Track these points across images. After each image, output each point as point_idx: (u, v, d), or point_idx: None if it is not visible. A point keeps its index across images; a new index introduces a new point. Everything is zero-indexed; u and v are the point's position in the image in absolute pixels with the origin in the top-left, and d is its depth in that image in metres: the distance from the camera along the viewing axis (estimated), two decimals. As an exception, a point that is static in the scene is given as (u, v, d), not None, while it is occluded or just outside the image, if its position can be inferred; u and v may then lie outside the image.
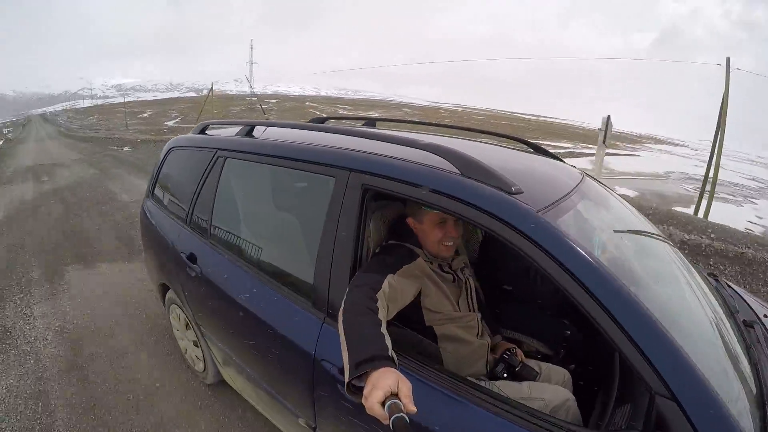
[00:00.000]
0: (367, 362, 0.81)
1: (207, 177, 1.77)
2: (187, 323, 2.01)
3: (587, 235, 1.15)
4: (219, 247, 1.66)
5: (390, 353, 0.85)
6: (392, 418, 0.70)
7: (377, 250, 1.27)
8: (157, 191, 2.26)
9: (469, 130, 2.02)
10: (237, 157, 1.64)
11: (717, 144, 5.47)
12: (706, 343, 1.02)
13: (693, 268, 1.48)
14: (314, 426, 1.27)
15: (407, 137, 1.18)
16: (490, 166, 1.03)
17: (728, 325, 1.19)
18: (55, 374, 2.28)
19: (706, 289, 1.35)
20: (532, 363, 1.35)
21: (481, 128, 2.10)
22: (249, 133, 1.66)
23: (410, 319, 1.22)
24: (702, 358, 0.83)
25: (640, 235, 1.40)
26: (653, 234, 1.46)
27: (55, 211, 5.83)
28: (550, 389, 1.18)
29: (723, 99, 5.43)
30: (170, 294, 2.09)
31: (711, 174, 5.66)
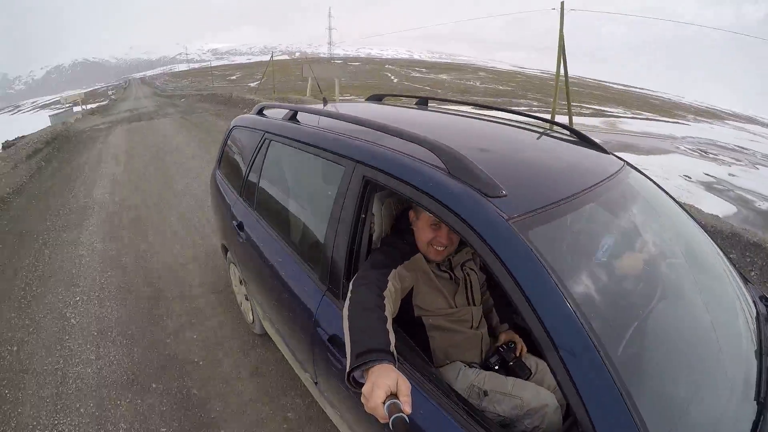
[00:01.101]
0: (368, 353, 0.83)
1: (256, 156, 2.00)
2: (240, 280, 2.34)
3: (579, 244, 1.09)
4: (260, 219, 1.90)
5: (392, 349, 0.87)
6: (392, 418, 0.70)
7: (380, 244, 1.31)
8: (223, 163, 2.58)
9: (508, 111, 1.95)
10: (277, 140, 1.81)
11: None
12: (696, 379, 0.95)
13: (740, 284, 1.30)
14: (316, 381, 1.45)
15: (408, 132, 1.19)
16: (475, 165, 1.01)
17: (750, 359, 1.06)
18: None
19: (747, 317, 1.20)
20: (532, 360, 1.33)
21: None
22: (293, 118, 1.80)
23: (400, 308, 1.24)
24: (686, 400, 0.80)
25: (666, 241, 1.27)
26: (688, 240, 1.31)
27: (144, 120, 12.47)
28: (533, 390, 1.16)
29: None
30: (229, 254, 2.43)
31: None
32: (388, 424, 0.71)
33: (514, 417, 1.11)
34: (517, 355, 1.33)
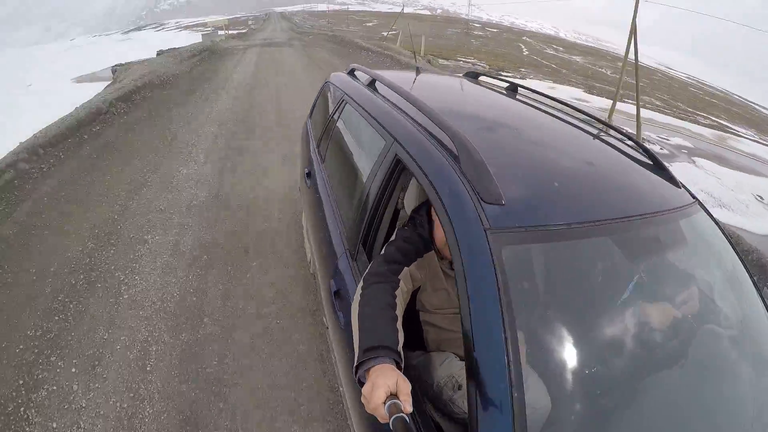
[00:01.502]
0: (375, 349, 0.83)
1: (334, 114, 2.18)
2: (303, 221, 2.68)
3: (566, 276, 1.02)
4: (322, 172, 2.12)
5: (399, 349, 0.87)
6: (392, 419, 0.70)
7: (396, 235, 1.26)
8: (314, 113, 2.85)
9: (583, 112, 1.77)
10: (349, 104, 1.94)
11: None
12: None
13: None
14: (327, 327, 1.70)
15: (441, 119, 1.18)
16: (484, 164, 0.98)
17: None
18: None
19: None
20: (526, 372, 1.30)
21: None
22: (370, 85, 1.89)
23: None
24: None
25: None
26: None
27: (273, 47, 16.10)
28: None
29: None
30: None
31: None
32: (388, 424, 0.71)
33: None
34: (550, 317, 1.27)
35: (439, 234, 1.21)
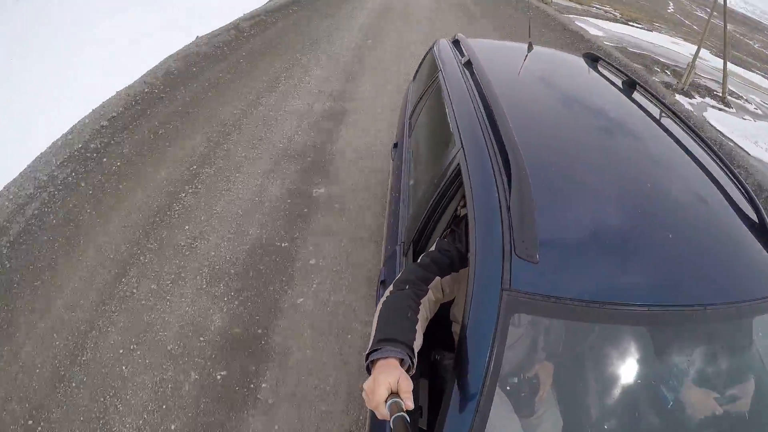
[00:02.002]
0: (389, 341, 0.82)
1: (428, 87, 2.09)
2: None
3: (578, 361, 0.90)
4: (404, 152, 2.10)
5: (414, 347, 0.85)
6: (393, 418, 0.70)
7: (435, 245, 1.23)
8: (416, 79, 2.75)
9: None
10: (441, 81, 1.82)
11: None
12: None
13: None
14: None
15: (511, 136, 1.06)
16: (529, 210, 0.88)
17: None
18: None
19: None
20: (546, 405, 1.18)
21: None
22: (466, 64, 1.74)
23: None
24: None
25: None
26: None
27: None
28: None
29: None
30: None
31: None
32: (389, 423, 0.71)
33: None
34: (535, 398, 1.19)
35: None
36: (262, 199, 2.95)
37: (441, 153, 1.46)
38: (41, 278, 2.22)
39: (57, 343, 1.94)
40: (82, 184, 2.86)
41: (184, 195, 2.90)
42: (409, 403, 0.72)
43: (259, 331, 2.07)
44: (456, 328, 1.26)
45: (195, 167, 3.20)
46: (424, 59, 2.63)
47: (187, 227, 2.65)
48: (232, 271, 2.38)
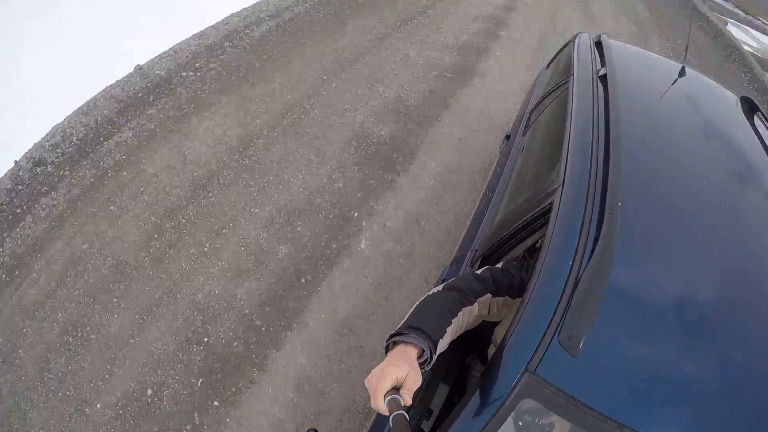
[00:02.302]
0: (416, 330, 0.81)
1: (556, 86, 1.99)
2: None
3: None
4: (516, 147, 2.04)
5: (438, 342, 0.84)
6: (392, 416, 0.68)
7: (502, 264, 1.20)
8: (549, 68, 2.60)
9: None
10: (570, 87, 1.66)
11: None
12: None
13: None
14: None
15: (617, 188, 0.98)
16: (599, 294, 0.82)
17: None
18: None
19: None
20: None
21: None
22: (602, 78, 1.55)
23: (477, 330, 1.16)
24: None
25: None
26: None
27: None
28: None
29: None
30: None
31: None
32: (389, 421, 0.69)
33: None
34: None
35: None
36: None
37: (544, 176, 1.39)
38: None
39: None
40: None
41: None
42: (407, 398, 0.71)
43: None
44: (492, 351, 1.24)
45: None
46: (562, 49, 2.45)
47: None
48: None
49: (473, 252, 1.55)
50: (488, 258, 1.38)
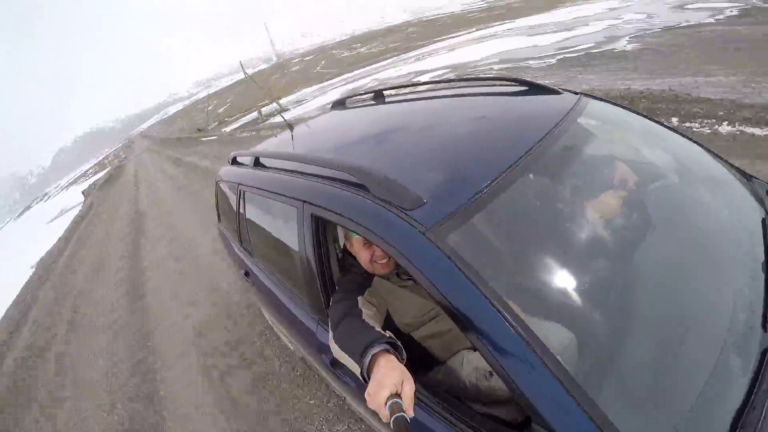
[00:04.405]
0: (367, 348, 0.85)
1: (238, 207, 2.10)
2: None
3: (520, 226, 1.09)
4: (257, 267, 2.05)
5: (387, 333, 0.91)
6: (393, 418, 0.71)
7: (337, 288, 1.29)
8: (221, 217, 2.73)
9: (463, 79, 1.90)
10: (247, 190, 1.90)
11: None
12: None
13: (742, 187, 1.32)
14: (344, 397, 1.60)
15: (335, 161, 1.23)
16: (392, 181, 1.03)
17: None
18: None
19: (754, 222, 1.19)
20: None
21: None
22: (257, 164, 1.86)
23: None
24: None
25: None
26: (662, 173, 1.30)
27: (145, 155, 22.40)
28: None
29: None
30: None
31: None
32: (389, 423, 0.72)
33: None
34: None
35: (363, 258, 1.25)
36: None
37: (291, 229, 1.48)
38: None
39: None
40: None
41: None
42: (409, 410, 0.73)
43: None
44: (418, 333, 1.26)
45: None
46: (217, 197, 2.67)
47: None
48: None
49: (319, 322, 1.46)
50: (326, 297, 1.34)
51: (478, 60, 11.22)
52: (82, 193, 20.90)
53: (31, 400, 3.67)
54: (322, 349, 1.44)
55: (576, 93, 1.44)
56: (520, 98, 1.47)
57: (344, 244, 1.39)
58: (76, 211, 15.13)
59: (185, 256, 5.27)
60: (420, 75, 12.26)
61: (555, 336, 0.85)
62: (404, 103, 1.84)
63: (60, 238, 11.26)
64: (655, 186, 1.26)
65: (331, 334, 1.06)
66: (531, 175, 1.09)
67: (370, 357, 0.83)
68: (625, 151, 1.40)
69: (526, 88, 1.52)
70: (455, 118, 1.46)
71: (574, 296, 0.94)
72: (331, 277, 1.35)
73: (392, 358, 0.82)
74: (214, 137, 15.60)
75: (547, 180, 1.18)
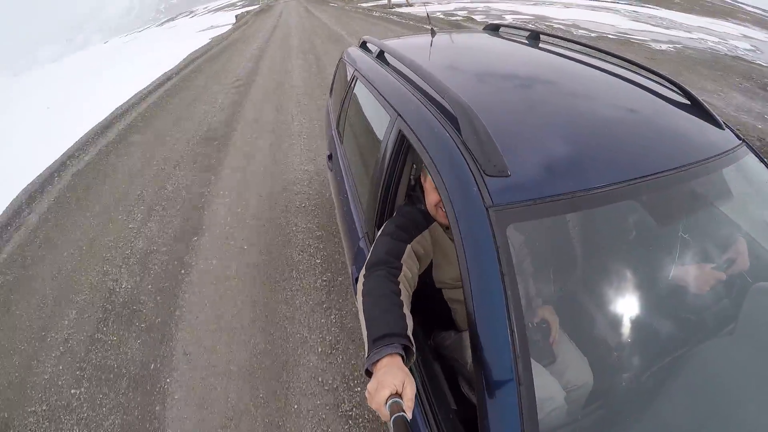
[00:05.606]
0: (383, 338, 0.81)
1: (347, 92, 2.10)
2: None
3: (585, 246, 0.94)
4: (341, 155, 2.10)
5: (408, 333, 0.85)
6: (393, 418, 0.70)
7: (396, 212, 1.23)
8: (333, 93, 2.77)
9: (615, 56, 1.53)
10: (361, 80, 1.85)
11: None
12: None
13: None
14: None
15: (443, 86, 1.09)
16: (487, 134, 0.89)
17: None
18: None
19: None
20: (563, 348, 1.09)
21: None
22: (379, 56, 1.80)
23: (421, 279, 1.16)
24: None
25: None
26: None
27: None
28: (539, 379, 1.00)
29: None
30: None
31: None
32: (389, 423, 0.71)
33: None
34: (549, 341, 1.12)
35: (430, 200, 1.15)
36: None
37: (377, 136, 1.46)
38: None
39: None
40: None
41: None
42: (408, 413, 0.72)
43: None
44: (448, 293, 1.22)
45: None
46: (336, 73, 2.68)
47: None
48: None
49: (365, 236, 1.47)
50: (380, 226, 1.30)
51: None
52: (236, 16, 25.34)
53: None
54: (356, 262, 1.50)
55: (740, 138, 1.10)
56: (672, 109, 1.15)
57: (420, 175, 1.31)
58: (225, 29, 18.57)
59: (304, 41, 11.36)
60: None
61: (572, 373, 0.78)
62: (554, 57, 1.54)
63: (216, 38, 15.46)
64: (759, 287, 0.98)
65: (363, 272, 1.02)
66: (636, 203, 0.91)
67: (380, 353, 0.80)
68: (758, 230, 1.10)
69: (687, 102, 1.18)
70: (596, 99, 1.21)
71: (602, 348, 0.85)
72: (394, 200, 1.32)
73: (398, 359, 0.79)
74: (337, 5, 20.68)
75: (649, 218, 0.97)
